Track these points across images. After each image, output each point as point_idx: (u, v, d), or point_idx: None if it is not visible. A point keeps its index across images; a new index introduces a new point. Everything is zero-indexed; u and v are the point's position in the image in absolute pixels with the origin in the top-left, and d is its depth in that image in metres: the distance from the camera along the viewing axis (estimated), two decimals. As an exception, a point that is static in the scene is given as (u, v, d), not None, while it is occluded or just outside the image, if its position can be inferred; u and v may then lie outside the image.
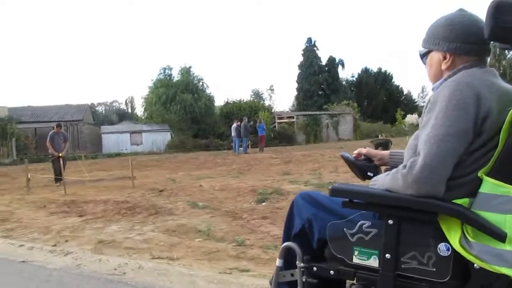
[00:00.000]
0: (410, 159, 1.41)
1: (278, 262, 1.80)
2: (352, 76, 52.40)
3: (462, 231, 1.36)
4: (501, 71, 34.48)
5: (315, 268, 1.67)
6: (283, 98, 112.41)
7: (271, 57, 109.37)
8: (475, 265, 1.33)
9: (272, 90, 72.13)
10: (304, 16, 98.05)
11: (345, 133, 35.06)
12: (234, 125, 22.49)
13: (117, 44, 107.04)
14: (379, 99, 49.73)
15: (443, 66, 1.55)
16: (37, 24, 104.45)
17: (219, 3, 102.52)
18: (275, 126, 34.44)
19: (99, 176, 12.77)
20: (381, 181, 1.56)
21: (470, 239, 1.33)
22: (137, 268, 3.53)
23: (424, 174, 1.34)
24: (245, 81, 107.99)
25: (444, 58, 1.54)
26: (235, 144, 22.52)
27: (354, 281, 1.61)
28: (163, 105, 36.22)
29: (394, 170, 1.50)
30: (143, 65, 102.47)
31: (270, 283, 1.88)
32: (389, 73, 52.69)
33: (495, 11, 1.33)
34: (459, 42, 1.49)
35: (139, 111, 47.63)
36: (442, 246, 1.40)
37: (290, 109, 50.59)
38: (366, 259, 1.54)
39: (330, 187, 1.60)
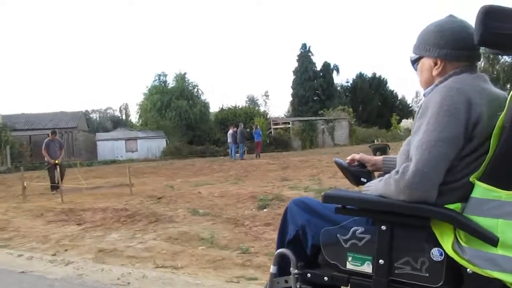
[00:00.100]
0: (403, 164, 1.42)
1: (272, 268, 1.80)
2: (347, 82, 52.51)
3: (455, 236, 1.37)
4: (495, 75, 34.70)
5: (309, 275, 1.67)
6: (278, 104, 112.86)
7: (266, 63, 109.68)
8: (468, 269, 1.34)
9: (267, 96, 72.06)
10: (298, 22, 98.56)
11: (341, 138, 35.07)
12: (230, 131, 22.41)
13: (111, 51, 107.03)
14: (374, 104, 49.81)
15: (434, 72, 1.56)
16: (31, 32, 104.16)
17: (213, 9, 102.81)
18: (270, 132, 34.40)
19: (96, 183, 12.63)
20: (374, 187, 1.57)
21: (462, 244, 1.34)
22: (141, 277, 3.45)
23: (416, 179, 1.35)
24: (240, 87, 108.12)
25: (435, 64, 1.55)
26: (231, 150, 22.43)
27: (348, 287, 1.61)
28: (158, 112, 36.12)
29: (386, 175, 1.50)
30: (138, 72, 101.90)
31: None
32: (383, 78, 52.83)
33: (485, 17, 1.35)
34: (449, 48, 1.51)
35: (134, 118, 47.55)
36: (435, 251, 1.40)
37: (285, 115, 50.58)
38: (359, 265, 1.54)
39: (322, 193, 1.60)
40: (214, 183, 10.87)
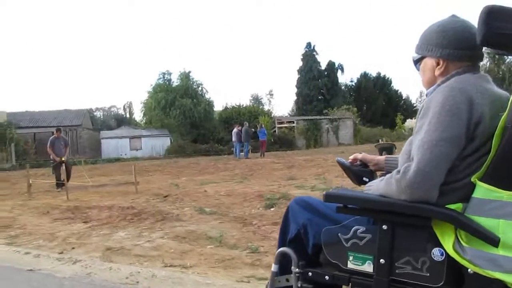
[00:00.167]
0: (404, 164, 1.42)
1: (274, 267, 1.80)
2: (351, 81, 52.42)
3: (456, 236, 1.36)
4: (500, 75, 34.50)
5: (310, 274, 1.67)
6: (282, 103, 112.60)
7: (270, 62, 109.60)
8: (469, 270, 1.33)
9: (271, 95, 71.89)
10: (303, 21, 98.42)
11: (345, 137, 34.98)
12: (235, 130, 22.36)
13: (115, 49, 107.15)
14: (378, 104, 49.67)
15: (437, 72, 1.55)
16: (35, 29, 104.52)
17: (217, 8, 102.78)
18: (275, 131, 34.36)
19: (101, 181, 12.63)
20: (376, 186, 1.57)
21: (463, 244, 1.34)
22: (150, 276, 3.39)
23: (417, 179, 1.35)
24: (244, 86, 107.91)
25: (438, 64, 1.55)
26: (236, 149, 22.38)
27: (349, 287, 1.61)
28: (162, 110, 36.19)
29: (388, 175, 1.50)
30: (142, 70, 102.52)
31: None
32: (388, 78, 52.69)
33: (487, 17, 1.34)
34: (452, 48, 1.50)
35: (138, 116, 47.60)
36: (436, 251, 1.40)
37: (289, 114, 50.54)
38: (360, 264, 1.54)
39: (324, 192, 1.60)
40: (219, 181, 10.83)
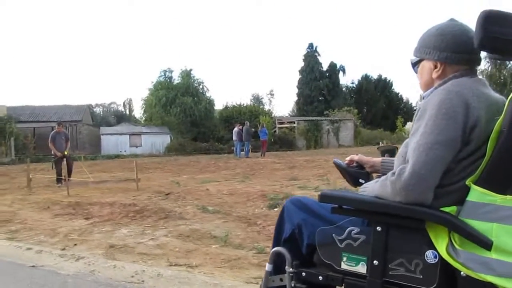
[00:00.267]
0: (399, 166, 1.43)
1: (268, 267, 1.81)
2: (352, 83, 52.44)
3: (449, 239, 1.37)
4: (502, 81, 34.41)
5: (304, 274, 1.68)
6: (282, 103, 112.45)
7: (271, 61, 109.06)
8: (461, 272, 1.34)
9: (272, 94, 71.80)
10: (305, 22, 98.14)
11: (346, 139, 34.94)
12: (236, 129, 22.29)
13: (116, 46, 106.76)
14: (379, 106, 49.70)
15: (434, 75, 1.56)
16: (36, 24, 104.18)
17: (220, 6, 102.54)
18: (275, 131, 34.29)
19: (101, 177, 12.53)
20: (371, 188, 1.58)
21: (457, 247, 1.35)
22: (156, 275, 3.33)
23: (412, 181, 1.35)
24: (245, 85, 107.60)
25: (435, 67, 1.56)
26: (236, 148, 22.30)
27: (342, 287, 1.62)
28: (163, 108, 36.06)
29: (383, 177, 1.51)
30: (142, 67, 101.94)
31: None
32: (389, 80, 52.76)
33: (485, 21, 1.35)
34: (449, 52, 1.51)
35: (138, 113, 47.46)
36: (429, 254, 1.40)
37: (289, 114, 50.49)
38: (354, 265, 1.55)
39: (319, 193, 1.61)
40: (220, 180, 10.75)
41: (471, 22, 1.50)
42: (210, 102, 39.02)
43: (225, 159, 20.12)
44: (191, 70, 39.29)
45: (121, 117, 55.25)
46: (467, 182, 1.37)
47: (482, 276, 1.30)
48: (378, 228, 1.48)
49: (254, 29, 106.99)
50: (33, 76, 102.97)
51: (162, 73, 39.56)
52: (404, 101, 54.80)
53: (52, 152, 11.27)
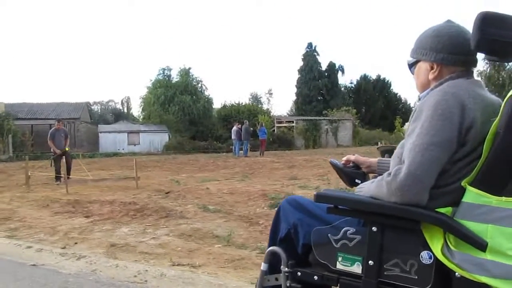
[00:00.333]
0: (395, 166, 1.43)
1: (263, 266, 1.81)
2: (351, 83, 52.37)
3: (445, 240, 1.37)
4: (500, 82, 34.41)
5: (299, 273, 1.68)
6: (281, 103, 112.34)
7: (270, 61, 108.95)
8: (456, 273, 1.34)
9: (270, 94, 71.66)
10: (305, 21, 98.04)
11: (344, 139, 34.92)
12: (235, 128, 22.23)
13: (114, 44, 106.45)
14: (377, 106, 49.65)
15: (430, 76, 1.57)
16: (35, 21, 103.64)
17: (219, 5, 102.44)
18: (274, 130, 34.24)
19: (100, 175, 12.47)
20: (367, 188, 1.58)
21: (452, 247, 1.35)
22: (159, 275, 3.28)
23: (408, 182, 1.35)
24: (244, 84, 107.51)
25: (432, 68, 1.56)
26: (235, 147, 22.25)
27: (338, 287, 1.62)
28: (161, 106, 35.95)
29: (379, 177, 1.50)
30: (140, 65, 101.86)
31: (256, 287, 1.88)
32: (387, 81, 52.67)
33: (482, 23, 1.35)
34: (446, 53, 1.52)
35: (136, 111, 47.32)
36: (424, 254, 1.41)
37: (288, 114, 50.43)
38: (349, 265, 1.55)
39: (315, 193, 1.60)
40: (220, 179, 10.71)
41: (468, 24, 1.50)
42: (209, 101, 38.94)
43: (224, 158, 20.09)
44: (189, 68, 39.24)
45: (119, 115, 55.11)
46: (462, 183, 1.38)
47: (476, 277, 1.30)
48: (374, 229, 1.49)
49: (253, 28, 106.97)
50: (31, 73, 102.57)
51: (161, 71, 39.50)
52: (402, 101, 54.73)
53: (52, 150, 11.19)
